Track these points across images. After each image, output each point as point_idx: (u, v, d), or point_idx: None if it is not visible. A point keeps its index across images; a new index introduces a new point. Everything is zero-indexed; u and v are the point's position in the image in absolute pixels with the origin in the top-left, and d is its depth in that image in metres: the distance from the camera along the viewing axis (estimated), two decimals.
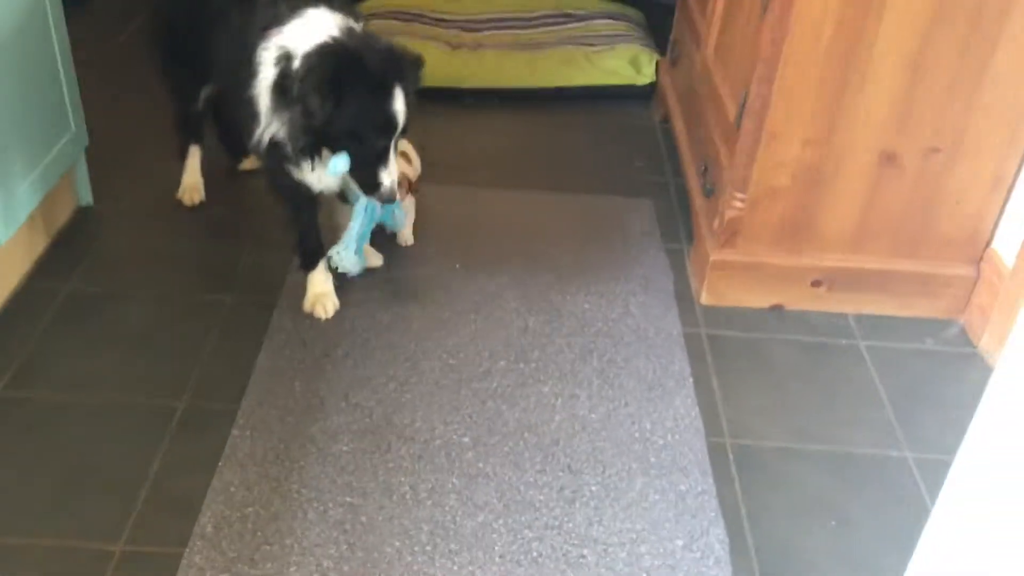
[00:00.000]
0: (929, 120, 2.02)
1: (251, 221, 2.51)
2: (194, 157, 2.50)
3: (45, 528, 1.67)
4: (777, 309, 2.27)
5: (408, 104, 1.87)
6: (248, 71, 1.89)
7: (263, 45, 1.88)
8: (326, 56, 1.82)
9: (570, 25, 3.27)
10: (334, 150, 1.88)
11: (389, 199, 1.92)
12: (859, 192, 2.11)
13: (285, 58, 1.85)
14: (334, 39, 1.85)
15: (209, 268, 2.32)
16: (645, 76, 3.08)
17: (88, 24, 2.42)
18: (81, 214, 2.44)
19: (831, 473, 1.88)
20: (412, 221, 2.37)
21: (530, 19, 3.30)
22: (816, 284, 2.24)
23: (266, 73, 1.87)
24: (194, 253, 2.38)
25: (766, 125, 2.03)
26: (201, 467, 1.79)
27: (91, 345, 2.05)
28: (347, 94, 1.80)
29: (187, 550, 1.64)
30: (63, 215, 2.39)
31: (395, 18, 3.20)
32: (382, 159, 1.88)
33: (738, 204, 2.15)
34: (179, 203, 2.50)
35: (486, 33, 3.22)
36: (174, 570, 1.60)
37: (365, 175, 1.90)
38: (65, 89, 2.22)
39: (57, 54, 2.18)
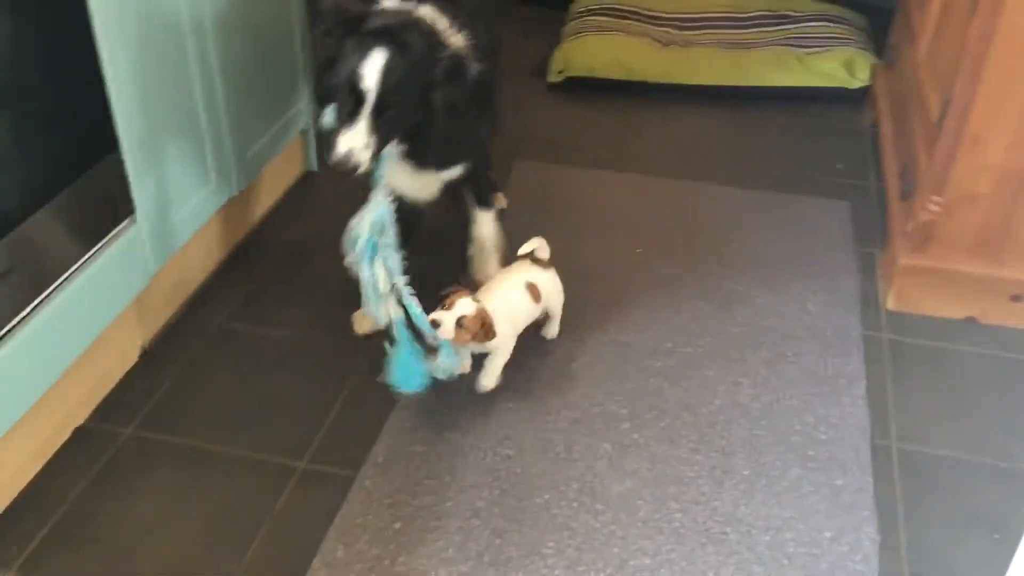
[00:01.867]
0: None
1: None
2: None
3: (240, 440, 1.89)
4: (971, 321, 2.17)
5: (405, 75, 1.70)
6: None
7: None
8: (329, 13, 1.78)
9: (785, 27, 3.23)
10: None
11: (336, 166, 1.71)
12: None
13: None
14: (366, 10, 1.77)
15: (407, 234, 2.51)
16: (859, 80, 3.00)
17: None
18: (307, 177, 2.71)
19: (1003, 488, 1.79)
20: (496, 369, 1.97)
21: (744, 19, 3.30)
22: (1016, 299, 2.12)
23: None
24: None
25: (968, 126, 1.95)
26: (380, 405, 1.96)
27: (302, 291, 2.29)
28: (335, 49, 1.73)
29: (359, 474, 1.81)
30: (291, 177, 2.66)
31: (609, 15, 3.29)
32: (349, 120, 1.70)
33: (933, 207, 2.07)
34: None
35: (698, 32, 3.25)
36: (346, 490, 1.78)
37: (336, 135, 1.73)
38: (300, 61, 2.49)
39: (295, 31, 2.44)
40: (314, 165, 2.73)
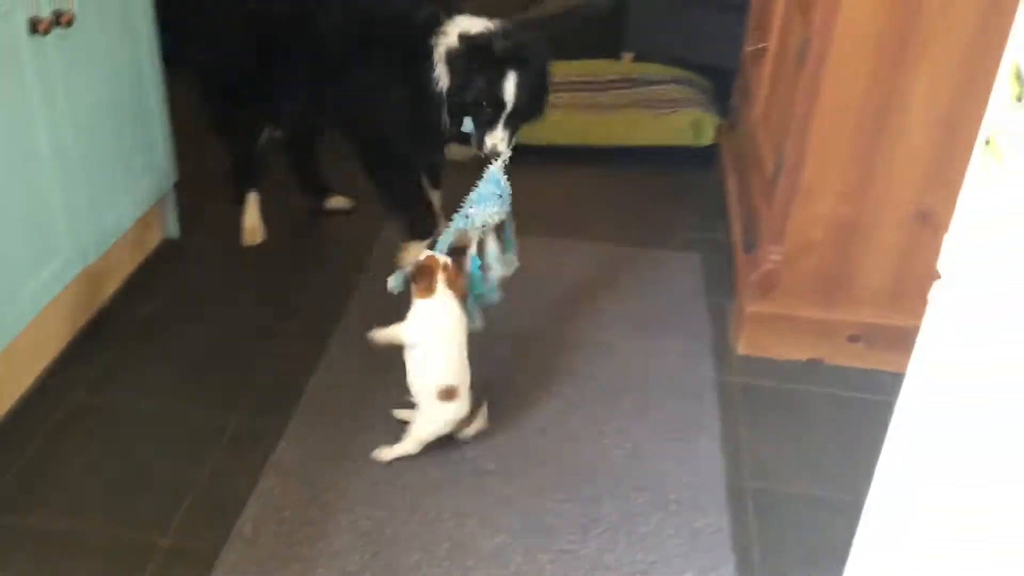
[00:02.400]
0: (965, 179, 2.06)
1: (319, 255, 2.70)
2: (252, 202, 2.72)
3: (100, 519, 1.83)
4: (815, 363, 2.31)
5: (525, 85, 2.26)
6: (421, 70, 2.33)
7: (434, 46, 2.31)
8: (464, 47, 2.26)
9: (637, 89, 3.41)
10: (466, 114, 2.30)
11: (490, 155, 2.24)
12: (894, 249, 2.16)
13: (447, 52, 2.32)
14: (473, 35, 2.27)
15: (274, 297, 2.51)
16: (706, 138, 3.19)
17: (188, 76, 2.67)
18: (168, 245, 2.67)
19: (850, 522, 1.89)
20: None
21: (600, 83, 3.45)
22: (853, 339, 2.27)
23: (440, 69, 2.33)
24: (264, 284, 2.57)
25: (800, 180, 2.10)
26: (247, 474, 1.93)
27: (160, 361, 2.24)
28: (474, 77, 2.25)
29: (225, 548, 1.77)
30: (151, 245, 2.61)
31: None
32: (491, 126, 2.29)
33: (774, 257, 2.21)
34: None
35: (557, 95, 3.38)
36: (211, 565, 1.73)
37: (479, 136, 2.31)
38: (157, 130, 2.47)
39: (151, 99, 2.42)
40: (174, 232, 2.69)
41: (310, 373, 2.21)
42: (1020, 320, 0.97)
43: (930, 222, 2.12)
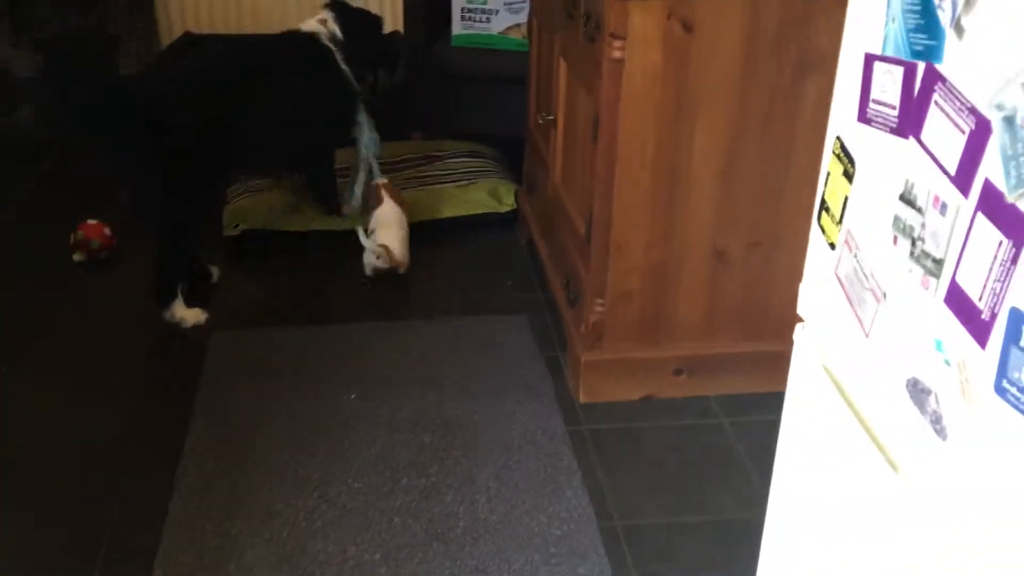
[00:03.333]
0: (747, 218, 2.34)
1: (142, 371, 2.63)
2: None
3: None
4: (648, 399, 2.51)
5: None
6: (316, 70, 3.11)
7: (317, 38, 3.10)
8: (355, 26, 3.15)
9: (432, 165, 3.56)
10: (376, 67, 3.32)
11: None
12: (700, 286, 2.40)
13: (332, 37, 3.11)
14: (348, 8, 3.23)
15: (109, 430, 2.40)
16: (506, 204, 3.38)
17: None
18: None
19: (710, 539, 2.08)
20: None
21: (394, 163, 3.57)
22: (677, 372, 2.49)
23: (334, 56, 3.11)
24: (95, 414, 2.46)
25: (612, 236, 2.31)
26: None
27: None
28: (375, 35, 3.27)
29: None
30: None
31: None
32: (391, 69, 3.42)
33: (599, 308, 2.40)
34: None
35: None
36: None
37: (389, 79, 3.40)
38: None
39: None
40: None
41: (164, 510, 2.13)
42: (858, 355, 1.16)
43: (725, 259, 2.39)
